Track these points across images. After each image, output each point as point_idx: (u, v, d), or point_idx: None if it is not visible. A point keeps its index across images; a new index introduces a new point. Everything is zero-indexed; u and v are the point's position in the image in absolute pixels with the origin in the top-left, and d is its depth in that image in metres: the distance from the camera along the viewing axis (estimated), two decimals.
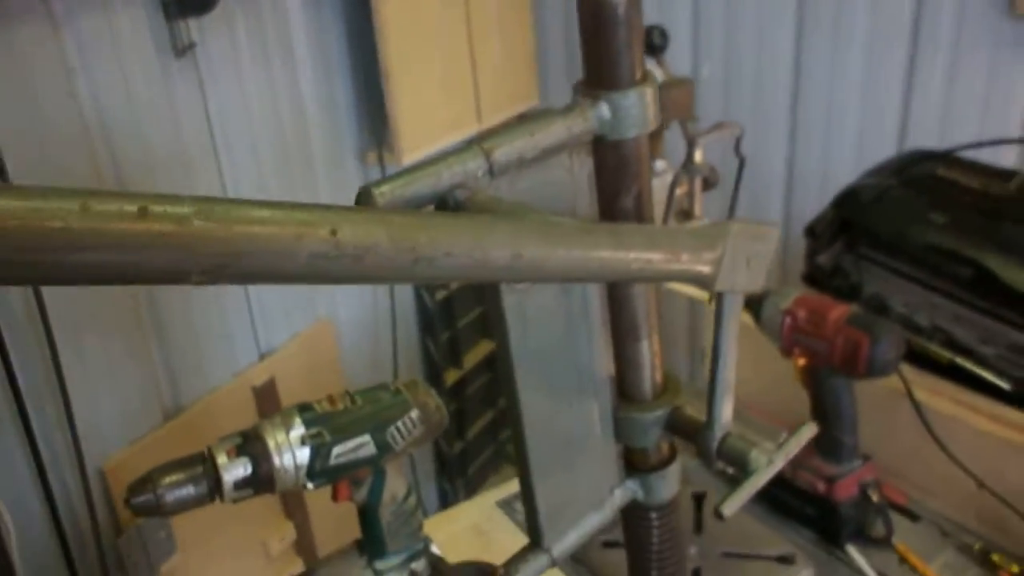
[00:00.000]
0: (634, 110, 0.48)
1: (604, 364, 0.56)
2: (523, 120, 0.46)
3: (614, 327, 0.57)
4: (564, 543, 0.56)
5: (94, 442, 1.41)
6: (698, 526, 0.96)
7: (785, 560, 0.90)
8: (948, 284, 0.99)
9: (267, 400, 1.77)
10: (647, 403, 0.57)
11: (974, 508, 0.95)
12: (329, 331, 1.97)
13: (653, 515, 0.60)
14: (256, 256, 0.31)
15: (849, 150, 1.42)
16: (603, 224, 0.49)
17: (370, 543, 0.85)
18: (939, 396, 0.97)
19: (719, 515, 0.51)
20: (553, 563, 0.55)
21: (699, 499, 1.00)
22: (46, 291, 1.28)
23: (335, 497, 0.83)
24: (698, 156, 0.78)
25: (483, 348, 2.40)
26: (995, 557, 0.90)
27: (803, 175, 1.47)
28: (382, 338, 2.11)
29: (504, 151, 0.45)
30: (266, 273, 0.32)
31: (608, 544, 0.94)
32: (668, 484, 0.59)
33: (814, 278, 1.13)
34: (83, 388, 1.39)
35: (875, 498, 0.93)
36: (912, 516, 0.98)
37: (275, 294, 1.77)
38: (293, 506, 1.83)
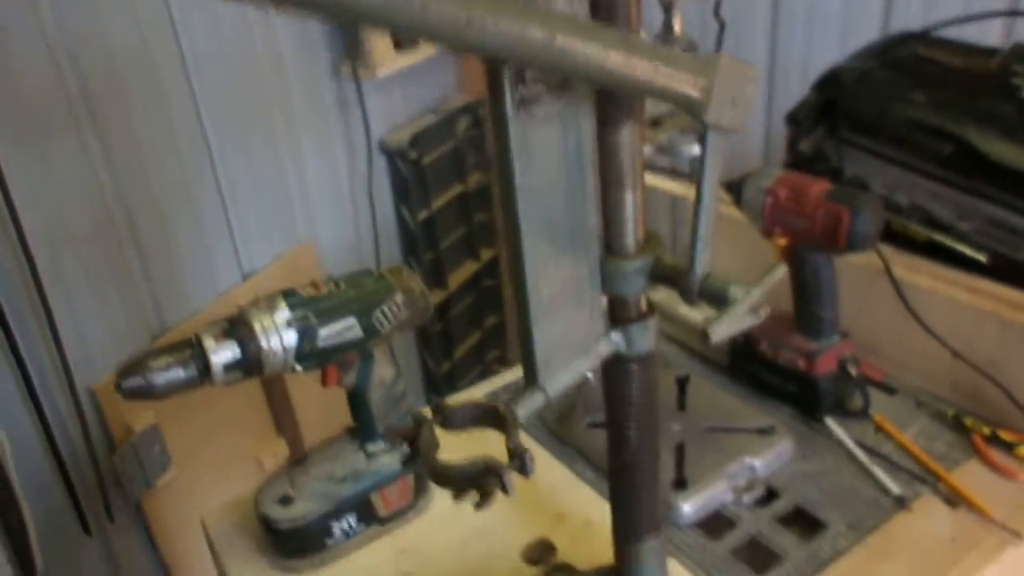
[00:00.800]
0: None
1: (595, 212, 0.57)
2: None
3: (603, 176, 0.57)
4: (557, 383, 0.58)
5: (83, 364, 1.42)
6: (681, 405, 0.99)
7: (765, 432, 0.92)
8: (928, 162, 0.99)
9: None
10: (631, 254, 0.58)
11: (949, 379, 0.98)
12: (311, 253, 1.96)
13: (633, 367, 0.61)
14: None
15: (833, 37, 1.40)
16: (620, 29, 0.50)
17: (361, 427, 0.87)
18: (917, 272, 0.99)
19: (705, 337, 0.52)
20: (548, 400, 0.57)
21: (682, 383, 1.02)
22: (23, 213, 1.27)
23: (324, 382, 0.84)
24: (676, 25, 0.77)
25: (467, 269, 2.40)
26: (967, 421, 0.93)
27: (785, 66, 1.45)
28: (365, 260, 2.11)
29: None
30: None
31: (593, 425, 0.97)
32: (647, 336, 0.61)
33: (796, 166, 1.13)
34: (67, 311, 1.39)
35: (853, 372, 0.95)
36: (888, 390, 1.01)
37: (255, 215, 1.76)
38: (285, 422, 1.86)
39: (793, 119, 1.11)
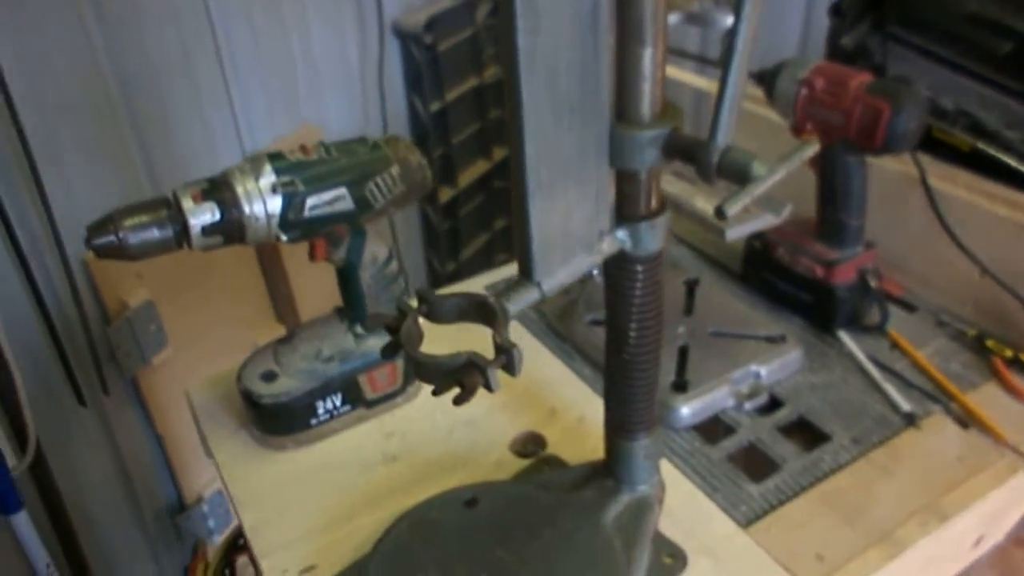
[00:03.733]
0: None
1: (607, 76, 0.50)
2: None
3: (620, 30, 0.51)
4: (553, 279, 0.53)
5: (75, 235, 1.37)
6: (689, 309, 0.94)
7: (774, 340, 0.88)
8: (981, 63, 0.91)
9: None
10: (645, 123, 0.52)
11: (973, 298, 0.92)
12: (316, 136, 1.89)
13: (639, 267, 0.57)
14: None
15: None
16: None
17: (350, 306, 0.83)
18: (954, 183, 0.92)
19: (720, 214, 0.47)
20: (542, 296, 0.52)
21: (691, 286, 0.97)
22: (11, 78, 1.20)
23: (312, 255, 0.79)
24: None
25: (478, 168, 2.32)
26: (989, 343, 0.88)
27: None
28: None
29: None
30: None
31: (595, 323, 0.93)
32: (656, 235, 0.55)
33: (835, 61, 1.05)
34: (58, 181, 1.34)
35: (873, 285, 0.90)
36: (909, 307, 0.96)
37: (258, 93, 1.68)
38: (285, 309, 1.83)
39: (837, 10, 1.02)
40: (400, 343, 0.51)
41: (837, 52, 1.03)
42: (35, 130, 1.27)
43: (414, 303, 0.54)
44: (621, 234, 0.56)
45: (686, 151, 0.51)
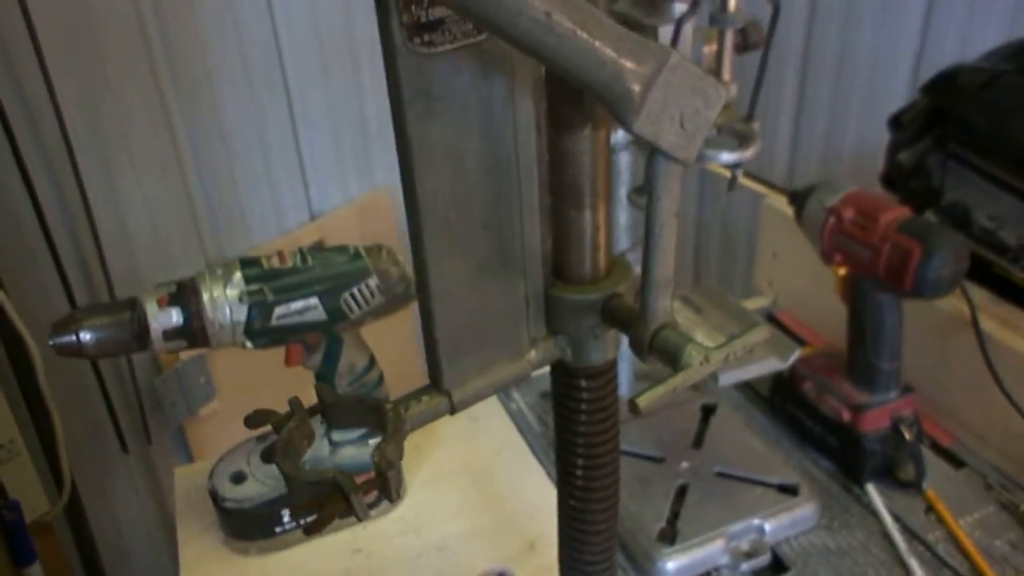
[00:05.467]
0: None
1: (536, 228, 0.45)
2: None
3: (553, 191, 0.46)
4: (466, 389, 0.46)
5: (128, 281, 1.42)
6: (699, 441, 0.86)
7: (787, 489, 0.79)
8: None
9: None
10: (583, 285, 0.47)
11: None
12: (386, 200, 1.91)
13: (583, 383, 0.49)
14: None
15: (955, 28, 1.17)
16: None
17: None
18: (1012, 329, 0.81)
19: (633, 408, 0.41)
20: (452, 410, 0.46)
21: (708, 411, 0.89)
22: (73, 122, 1.26)
23: (287, 361, 0.77)
24: (732, 2, 0.63)
25: None
26: None
27: (892, 59, 1.23)
28: None
29: None
30: None
31: None
32: (600, 346, 0.48)
33: (892, 179, 0.96)
34: (119, 230, 1.39)
35: (908, 436, 0.80)
36: (956, 462, 0.85)
37: (330, 154, 1.71)
38: None
39: (896, 123, 0.94)
40: (278, 446, 0.46)
41: (894, 167, 0.93)
42: (95, 177, 1.32)
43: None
44: (560, 340, 0.49)
45: (623, 322, 0.45)
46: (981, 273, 0.83)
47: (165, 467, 1.61)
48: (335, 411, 0.48)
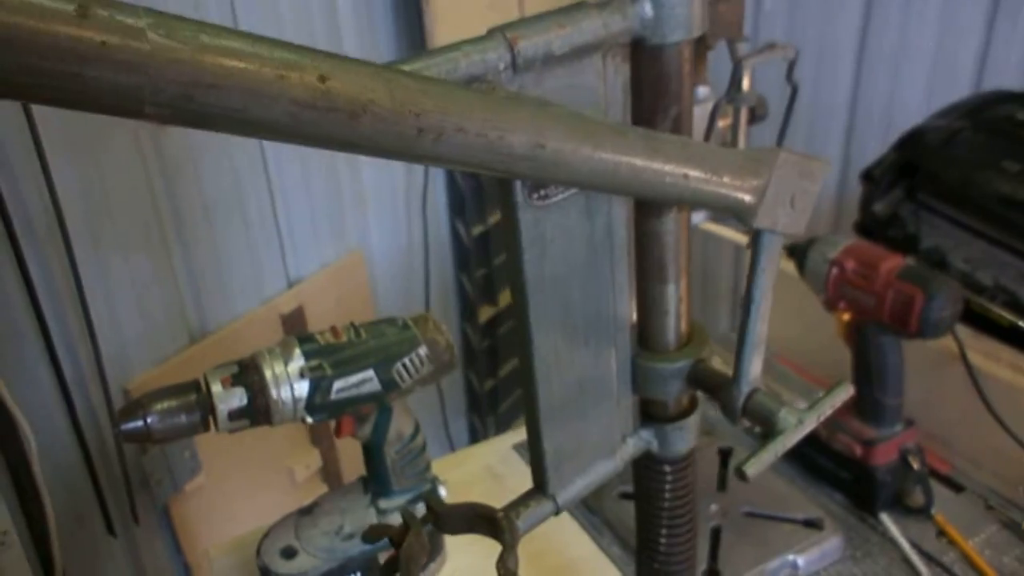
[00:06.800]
0: (679, 9, 0.41)
1: (626, 304, 0.50)
2: (553, 10, 0.39)
3: (639, 266, 0.51)
4: (570, 491, 0.51)
5: (118, 361, 1.41)
6: (722, 483, 0.91)
7: (812, 524, 0.84)
8: (1017, 240, 0.90)
9: (295, 328, 1.75)
10: (669, 353, 0.52)
11: None
12: (360, 262, 1.94)
13: (667, 468, 0.55)
14: (226, 92, 0.25)
15: (919, 87, 1.30)
16: (638, 128, 0.42)
17: (375, 481, 0.82)
18: (996, 361, 0.89)
19: (741, 476, 0.45)
20: (557, 510, 0.51)
21: (725, 455, 0.94)
22: (66, 206, 1.26)
23: (338, 433, 0.79)
24: (745, 83, 0.70)
25: None
26: None
27: (866, 114, 1.35)
28: (415, 271, 2.07)
29: (531, 42, 0.38)
30: (238, 117, 0.26)
31: (625, 496, 0.90)
32: (685, 436, 0.54)
33: (868, 228, 1.04)
34: (105, 306, 1.38)
35: (916, 466, 0.86)
36: (956, 487, 0.92)
37: (306, 221, 1.73)
38: (320, 434, 1.83)
39: (869, 177, 1.03)
40: (399, 562, 0.49)
41: (870, 217, 1.02)
42: (86, 259, 1.32)
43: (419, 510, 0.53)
44: (646, 434, 0.54)
45: (711, 387, 0.50)
46: (963, 312, 0.91)
47: (150, 550, 1.57)
48: (447, 519, 0.51)
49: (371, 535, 0.55)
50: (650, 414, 0.55)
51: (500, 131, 0.31)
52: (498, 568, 0.47)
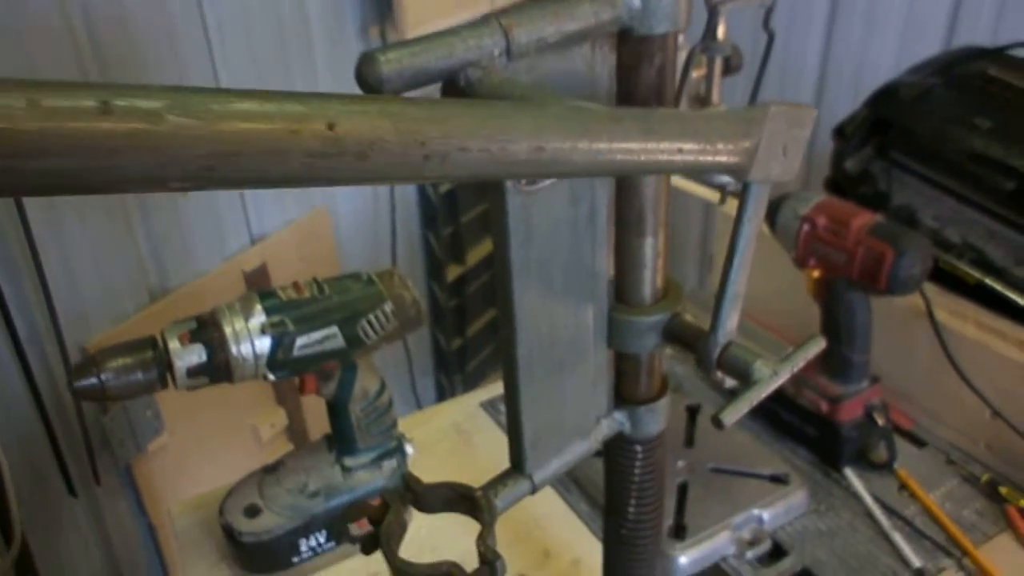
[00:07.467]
0: (665, 1, 0.42)
1: (605, 265, 0.49)
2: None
3: (618, 220, 0.50)
4: (546, 470, 0.51)
5: (76, 321, 1.37)
6: (690, 440, 0.91)
7: (778, 480, 0.85)
8: (987, 197, 0.90)
9: (259, 286, 1.71)
10: (646, 307, 0.51)
11: (985, 438, 0.89)
12: (325, 220, 1.90)
13: (638, 448, 0.55)
14: (245, 158, 0.26)
15: (891, 44, 1.29)
16: (631, 109, 0.42)
17: (340, 439, 0.81)
18: (962, 318, 0.90)
19: (717, 423, 0.45)
20: (534, 489, 0.51)
21: (693, 412, 0.94)
22: None
23: (302, 390, 0.77)
24: (720, 31, 0.68)
25: (486, 245, 2.33)
26: (1003, 490, 0.85)
27: (837, 71, 1.34)
28: (381, 230, 2.04)
29: (525, 30, 0.39)
30: (258, 176, 0.27)
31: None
32: (657, 418, 0.54)
33: (839, 184, 1.04)
34: (61, 265, 1.34)
35: (880, 422, 0.87)
36: (918, 442, 0.93)
37: None
38: (285, 392, 1.81)
39: (840, 133, 1.02)
40: (379, 539, 0.48)
41: (841, 174, 1.02)
42: (40, 218, 1.28)
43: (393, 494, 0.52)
44: (619, 416, 0.54)
45: (687, 340, 0.49)
46: (931, 270, 0.91)
47: (112, 511, 1.55)
48: (426, 497, 0.50)
49: (351, 515, 0.54)
50: (623, 397, 0.54)
51: (502, 143, 0.31)
52: (478, 546, 0.46)
